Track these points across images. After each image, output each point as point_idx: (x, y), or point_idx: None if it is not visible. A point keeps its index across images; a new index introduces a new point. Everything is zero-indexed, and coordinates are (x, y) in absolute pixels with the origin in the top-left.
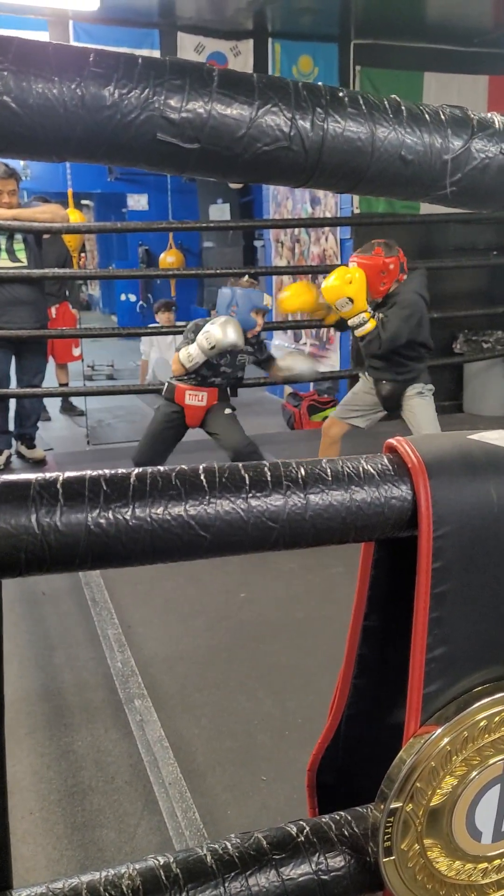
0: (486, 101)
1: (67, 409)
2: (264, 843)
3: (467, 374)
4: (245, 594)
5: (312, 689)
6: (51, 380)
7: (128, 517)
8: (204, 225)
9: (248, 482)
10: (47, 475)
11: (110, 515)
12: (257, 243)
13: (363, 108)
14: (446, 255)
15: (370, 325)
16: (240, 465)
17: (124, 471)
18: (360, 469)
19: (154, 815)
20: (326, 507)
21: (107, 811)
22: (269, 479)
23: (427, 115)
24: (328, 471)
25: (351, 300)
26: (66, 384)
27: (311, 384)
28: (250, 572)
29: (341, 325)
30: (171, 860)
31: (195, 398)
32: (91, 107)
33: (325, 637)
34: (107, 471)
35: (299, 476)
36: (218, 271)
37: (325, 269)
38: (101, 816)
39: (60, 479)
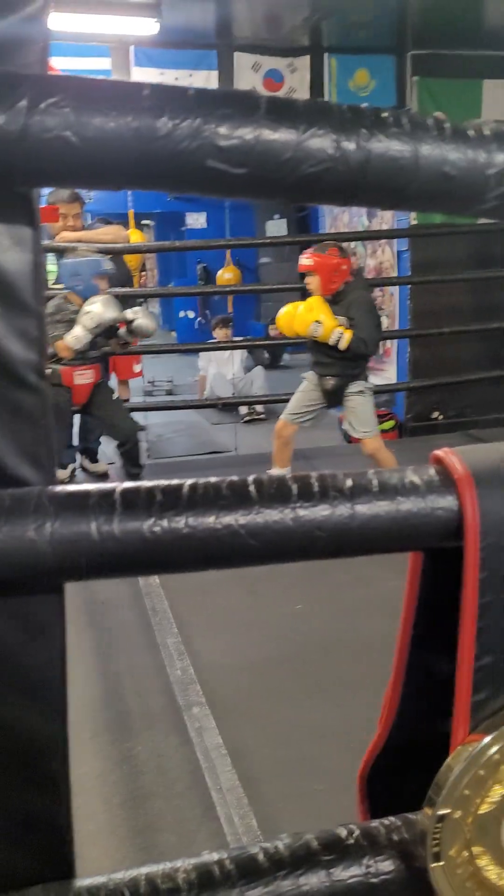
0: None
1: None
2: (315, 843)
3: None
4: (301, 606)
5: (375, 704)
6: None
7: (181, 526)
8: (260, 241)
9: (295, 493)
10: (106, 486)
11: (165, 524)
12: None
13: (407, 126)
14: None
15: (347, 335)
16: (287, 476)
17: (178, 481)
18: (406, 480)
19: (212, 820)
20: (372, 517)
21: (167, 816)
22: (315, 490)
23: (471, 132)
24: (374, 482)
25: (319, 322)
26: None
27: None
28: (305, 584)
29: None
30: (226, 856)
31: (83, 377)
32: (145, 137)
33: (386, 651)
34: (162, 482)
35: (346, 487)
36: (274, 287)
37: (382, 282)
38: (161, 821)
39: (118, 489)
